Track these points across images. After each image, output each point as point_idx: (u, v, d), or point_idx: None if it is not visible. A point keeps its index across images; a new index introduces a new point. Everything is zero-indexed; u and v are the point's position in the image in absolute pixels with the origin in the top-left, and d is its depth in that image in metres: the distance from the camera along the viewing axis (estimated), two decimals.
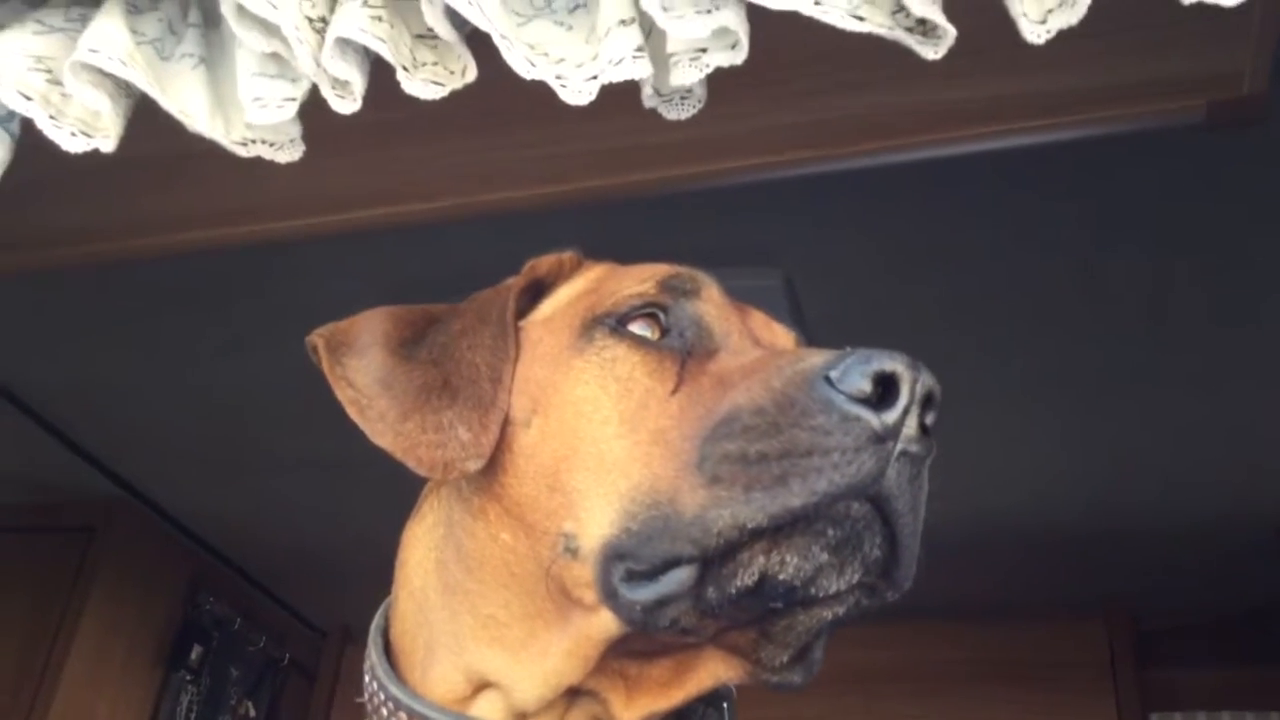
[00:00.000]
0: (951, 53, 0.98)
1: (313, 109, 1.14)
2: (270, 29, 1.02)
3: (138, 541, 3.50)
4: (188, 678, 3.66)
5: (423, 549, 1.00)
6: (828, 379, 0.78)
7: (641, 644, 0.86)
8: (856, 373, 0.77)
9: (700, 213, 2.19)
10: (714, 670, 0.88)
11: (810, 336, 2.55)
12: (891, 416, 0.77)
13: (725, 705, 0.96)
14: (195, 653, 3.65)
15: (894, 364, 0.78)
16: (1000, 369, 2.61)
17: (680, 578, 0.78)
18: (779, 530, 0.76)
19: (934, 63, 0.98)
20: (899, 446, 0.77)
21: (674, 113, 1.09)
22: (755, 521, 0.76)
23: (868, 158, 1.44)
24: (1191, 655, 3.63)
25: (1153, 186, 1.88)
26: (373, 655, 0.99)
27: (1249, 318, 2.33)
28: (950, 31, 0.94)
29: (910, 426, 0.78)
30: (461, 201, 1.46)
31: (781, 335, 0.99)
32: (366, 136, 1.38)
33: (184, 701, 3.67)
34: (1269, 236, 2.02)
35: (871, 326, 2.39)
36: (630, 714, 0.87)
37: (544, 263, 1.03)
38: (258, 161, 1.20)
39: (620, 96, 1.14)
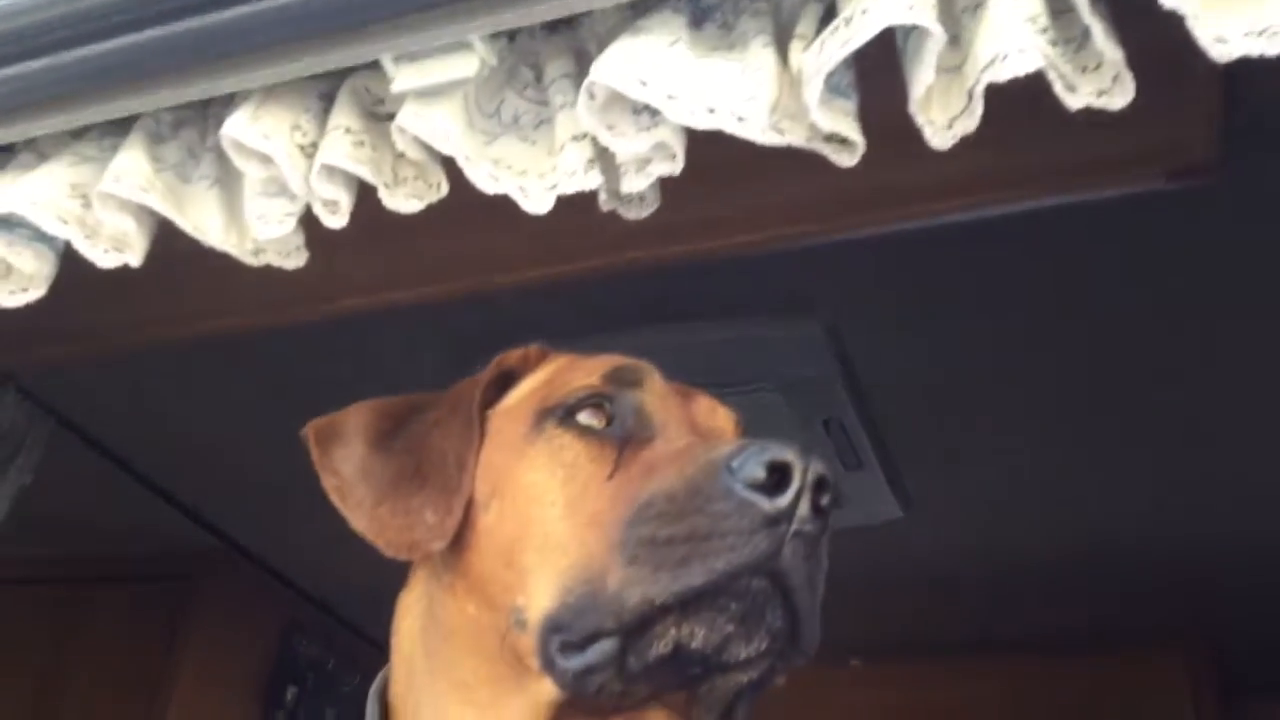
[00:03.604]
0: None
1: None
2: (266, 159, 1.15)
3: (232, 587, 3.64)
4: None
5: (410, 618, 1.11)
6: (730, 468, 0.88)
7: (590, 705, 0.96)
8: (753, 462, 0.87)
9: (743, 271, 2.30)
10: None
11: (854, 374, 2.59)
12: (783, 501, 0.86)
13: None
14: (290, 694, 3.80)
15: (785, 454, 0.87)
16: (1050, 400, 2.63)
17: (604, 649, 0.89)
18: (686, 605, 0.86)
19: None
20: (792, 527, 0.86)
21: (632, 213, 1.19)
22: (662, 598, 0.86)
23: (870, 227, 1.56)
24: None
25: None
26: (369, 715, 1.11)
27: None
28: (860, 142, 1.02)
29: (803, 509, 0.87)
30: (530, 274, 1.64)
31: (722, 419, 1.08)
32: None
33: None
34: None
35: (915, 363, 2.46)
36: None
37: (511, 356, 1.14)
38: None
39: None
